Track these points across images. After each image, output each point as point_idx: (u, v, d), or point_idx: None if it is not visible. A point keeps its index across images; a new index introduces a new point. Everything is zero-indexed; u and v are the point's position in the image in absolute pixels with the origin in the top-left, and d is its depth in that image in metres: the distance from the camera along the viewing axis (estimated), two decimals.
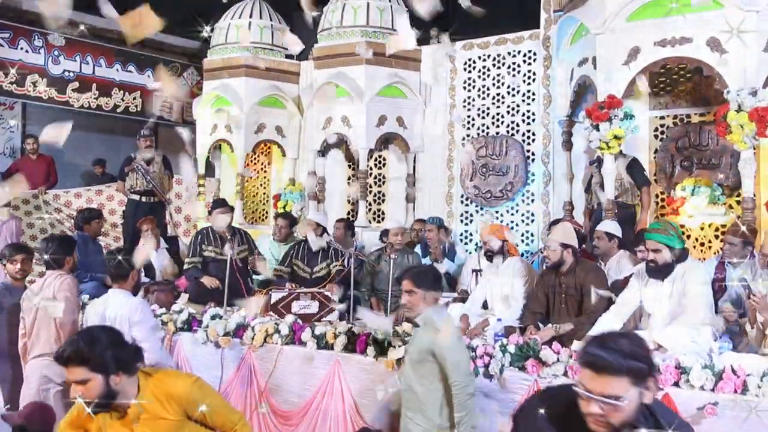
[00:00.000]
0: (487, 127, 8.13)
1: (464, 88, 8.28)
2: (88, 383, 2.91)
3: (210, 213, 7.01)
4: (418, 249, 7.44)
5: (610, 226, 5.79)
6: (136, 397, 3.03)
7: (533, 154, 7.81)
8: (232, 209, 7.09)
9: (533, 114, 7.84)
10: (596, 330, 4.70)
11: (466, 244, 8.03)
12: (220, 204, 7.08)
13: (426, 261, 7.33)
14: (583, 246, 6.33)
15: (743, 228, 5.26)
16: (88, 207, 8.00)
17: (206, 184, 9.52)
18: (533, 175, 7.79)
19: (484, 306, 5.71)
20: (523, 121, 7.91)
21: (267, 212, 9.49)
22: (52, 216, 9.59)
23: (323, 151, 8.81)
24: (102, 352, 2.92)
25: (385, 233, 7.06)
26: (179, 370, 5.10)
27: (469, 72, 8.27)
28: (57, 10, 3.77)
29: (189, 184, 9.70)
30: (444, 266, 7.10)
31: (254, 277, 7.08)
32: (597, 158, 6.78)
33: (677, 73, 6.88)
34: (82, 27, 10.23)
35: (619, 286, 5.25)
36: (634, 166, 6.47)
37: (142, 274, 6.35)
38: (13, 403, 4.91)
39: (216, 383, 5.37)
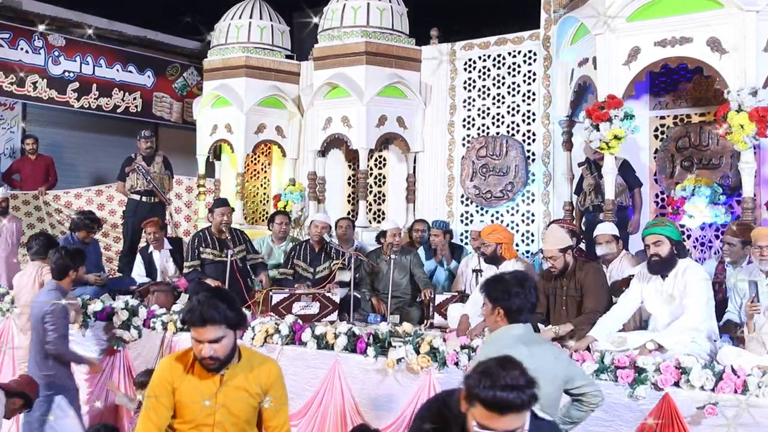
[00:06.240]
0: (488, 128, 8.13)
1: (464, 88, 8.28)
2: (223, 340, 3.05)
3: (211, 211, 7.00)
4: (421, 250, 7.43)
5: (612, 228, 5.78)
6: (239, 358, 3.18)
7: (533, 154, 7.80)
8: (232, 210, 7.10)
9: (533, 114, 7.84)
10: (597, 330, 4.72)
11: (466, 244, 8.03)
12: (221, 203, 7.09)
13: (430, 263, 7.35)
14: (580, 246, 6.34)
15: (759, 227, 5.25)
16: (86, 214, 7.76)
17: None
18: (533, 175, 7.78)
19: None
20: (524, 121, 7.91)
21: (267, 212, 9.48)
22: (53, 217, 9.61)
23: (323, 152, 8.81)
24: (233, 308, 3.10)
25: (382, 234, 7.06)
26: None
27: (470, 72, 8.27)
28: None
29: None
30: (452, 266, 7.23)
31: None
32: (587, 159, 6.79)
33: (677, 74, 6.89)
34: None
35: (618, 286, 5.26)
36: (625, 168, 6.48)
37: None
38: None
39: None
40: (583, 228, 6.83)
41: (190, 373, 3.16)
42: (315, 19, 9.20)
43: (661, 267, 4.69)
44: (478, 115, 8.20)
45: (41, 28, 10.95)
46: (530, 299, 3.35)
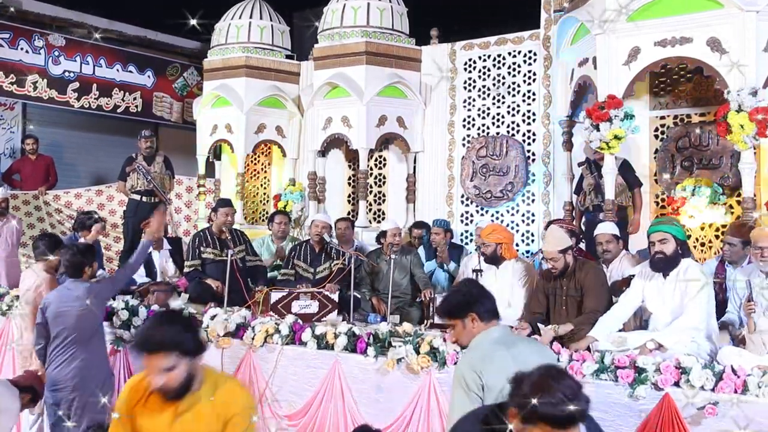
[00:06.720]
0: (488, 128, 8.13)
1: (464, 88, 8.29)
2: (176, 369, 2.78)
3: (214, 211, 7.00)
4: (421, 250, 7.43)
5: (613, 228, 5.78)
6: (200, 385, 2.91)
7: (533, 154, 7.81)
8: (235, 210, 7.12)
9: (533, 114, 7.84)
10: (597, 330, 4.72)
11: (466, 244, 8.04)
12: (225, 203, 7.10)
13: (431, 263, 7.36)
14: (581, 246, 6.34)
15: (759, 227, 5.24)
16: (86, 212, 7.77)
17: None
18: (533, 175, 7.79)
19: None
20: (524, 121, 7.92)
21: (267, 212, 9.49)
22: (53, 217, 9.60)
23: (323, 152, 8.81)
24: (188, 334, 2.83)
25: (382, 234, 7.06)
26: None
27: (470, 72, 8.27)
28: None
29: None
30: (451, 267, 7.20)
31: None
32: (586, 159, 6.79)
33: (677, 74, 6.89)
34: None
35: (618, 286, 5.26)
36: (625, 168, 6.47)
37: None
38: None
39: None
40: (583, 228, 6.83)
41: (148, 400, 2.94)
42: (315, 22, 9.20)
43: (664, 265, 4.69)
44: (478, 115, 8.20)
45: (41, 28, 10.95)
46: (489, 295, 3.35)
